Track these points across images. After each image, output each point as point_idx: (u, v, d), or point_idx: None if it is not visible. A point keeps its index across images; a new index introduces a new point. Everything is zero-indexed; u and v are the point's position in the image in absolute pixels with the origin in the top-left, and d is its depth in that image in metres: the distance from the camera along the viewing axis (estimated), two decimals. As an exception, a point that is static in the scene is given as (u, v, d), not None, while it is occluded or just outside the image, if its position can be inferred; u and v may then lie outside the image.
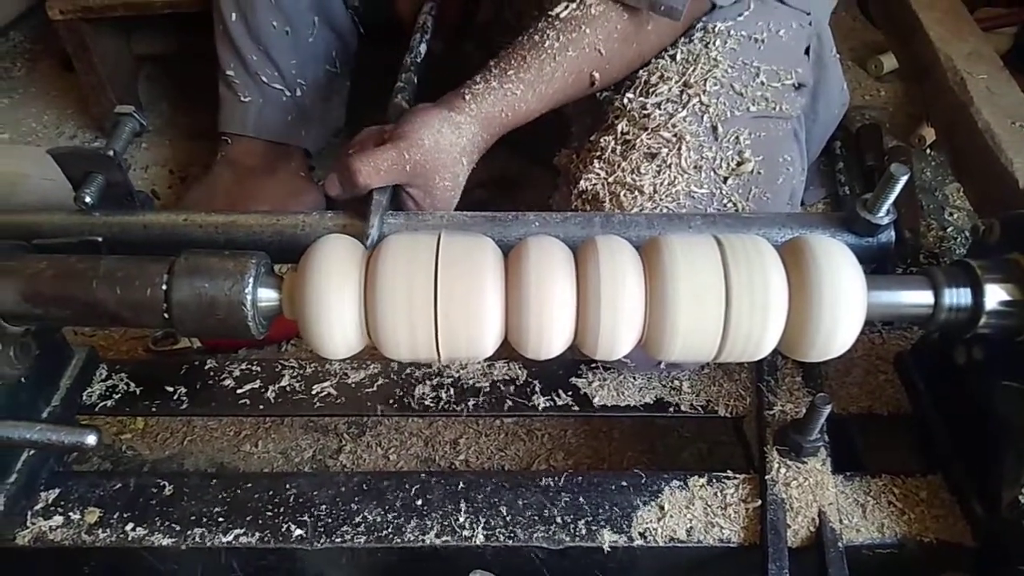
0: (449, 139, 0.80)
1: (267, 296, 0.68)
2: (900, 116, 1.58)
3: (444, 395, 0.91)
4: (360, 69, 1.42)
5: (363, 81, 1.43)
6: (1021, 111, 1.09)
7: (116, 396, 0.91)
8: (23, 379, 0.79)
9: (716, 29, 0.91)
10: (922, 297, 0.69)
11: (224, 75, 1.27)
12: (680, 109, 0.87)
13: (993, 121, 1.07)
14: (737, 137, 0.87)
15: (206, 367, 0.94)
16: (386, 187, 0.79)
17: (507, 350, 0.69)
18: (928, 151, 1.50)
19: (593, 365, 0.92)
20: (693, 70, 0.88)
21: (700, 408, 0.89)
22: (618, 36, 0.86)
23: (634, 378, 0.91)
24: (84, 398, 0.90)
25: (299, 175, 1.33)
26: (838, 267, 0.63)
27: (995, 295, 0.68)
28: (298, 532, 0.78)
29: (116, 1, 1.40)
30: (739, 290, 0.63)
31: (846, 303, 0.63)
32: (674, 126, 0.85)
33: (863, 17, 1.79)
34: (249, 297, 0.66)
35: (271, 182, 1.29)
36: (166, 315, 0.66)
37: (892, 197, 0.72)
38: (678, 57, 0.90)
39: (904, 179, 0.70)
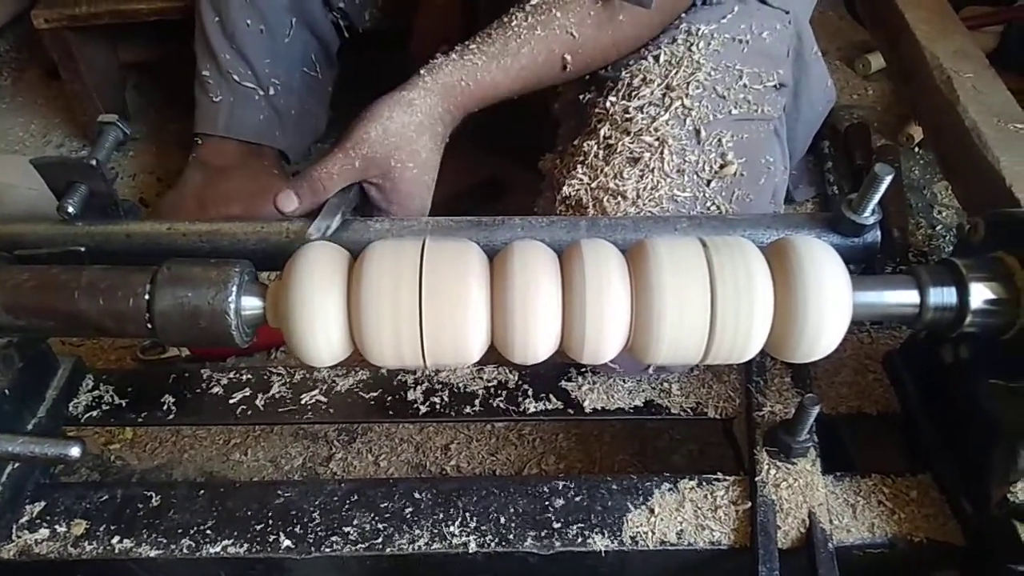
0: (401, 120, 0.80)
1: (251, 304, 0.67)
2: (888, 115, 1.58)
3: (435, 400, 0.91)
4: (348, 77, 1.42)
5: (351, 89, 1.43)
6: (1007, 110, 1.09)
7: (103, 407, 0.90)
8: (6, 391, 0.78)
9: (700, 32, 0.91)
10: (908, 297, 0.69)
11: (200, 76, 1.27)
12: (663, 112, 0.86)
13: (979, 120, 1.07)
14: (720, 140, 0.87)
15: (194, 376, 0.94)
16: (346, 189, 0.80)
17: (497, 355, 0.69)
18: (916, 150, 1.50)
19: (583, 369, 0.92)
20: (676, 73, 0.88)
21: (690, 410, 0.89)
22: (591, 22, 0.85)
23: (624, 381, 0.91)
24: (70, 409, 0.90)
25: (272, 173, 1.31)
26: (823, 268, 0.63)
27: (980, 294, 0.68)
28: (287, 542, 0.77)
29: (102, 9, 1.40)
30: (724, 292, 0.63)
31: (831, 304, 0.62)
32: (656, 130, 0.85)
33: (850, 17, 1.80)
34: (232, 306, 0.65)
35: (241, 181, 1.27)
36: (149, 325, 0.66)
37: (877, 197, 0.72)
38: (661, 59, 0.90)
39: (889, 179, 0.70)
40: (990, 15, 1.60)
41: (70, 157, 1.51)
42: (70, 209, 0.75)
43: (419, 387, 0.92)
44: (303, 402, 0.91)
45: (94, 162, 0.75)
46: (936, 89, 1.16)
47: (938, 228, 1.36)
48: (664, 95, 0.88)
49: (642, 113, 0.87)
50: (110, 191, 0.78)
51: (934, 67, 1.17)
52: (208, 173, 1.27)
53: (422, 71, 0.83)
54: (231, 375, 0.94)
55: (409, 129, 0.80)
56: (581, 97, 0.96)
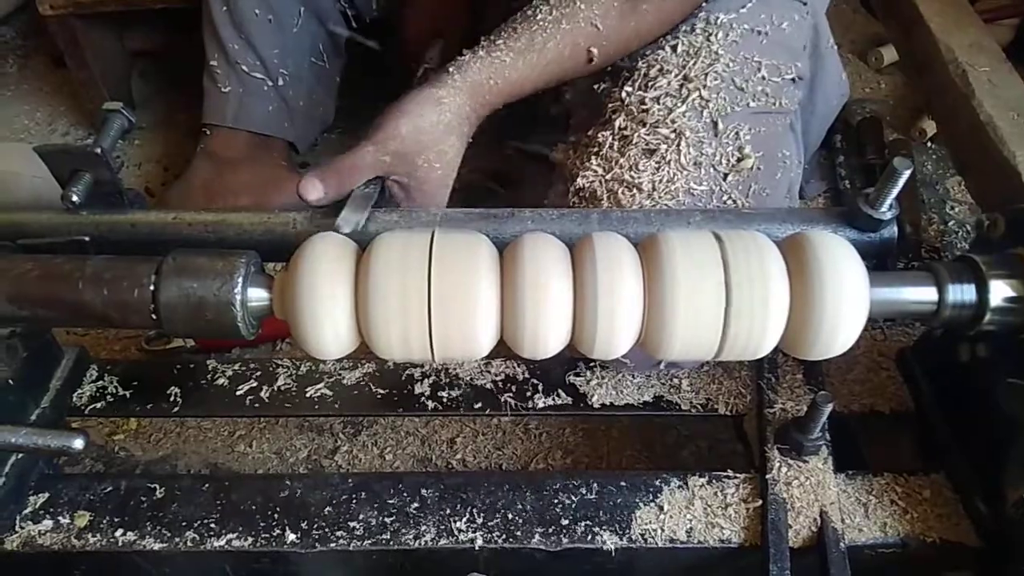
0: (430, 119, 0.79)
1: (257, 296, 0.66)
2: (901, 109, 1.56)
3: (441, 394, 0.90)
4: (354, 65, 1.41)
5: (357, 77, 1.43)
6: (1023, 104, 1.08)
7: (108, 397, 0.90)
8: (10, 381, 0.78)
9: (719, 21, 0.89)
10: (926, 294, 0.67)
11: (208, 66, 1.26)
12: (680, 104, 0.85)
13: (995, 114, 1.06)
14: (737, 133, 0.86)
15: (199, 367, 0.93)
16: (370, 182, 0.79)
17: (505, 348, 0.68)
18: (929, 144, 1.48)
19: (592, 363, 0.91)
20: (694, 63, 0.87)
21: (700, 406, 0.88)
22: (615, 12, 0.84)
23: (633, 376, 0.90)
24: (74, 400, 0.89)
25: (280, 165, 1.30)
26: (840, 263, 0.62)
27: (1000, 291, 0.66)
28: (292, 536, 0.76)
29: (108, -4, 1.39)
30: (739, 287, 0.62)
31: (849, 300, 0.61)
32: (673, 121, 0.84)
33: (863, 9, 1.78)
34: (238, 297, 0.64)
35: (250, 173, 1.26)
36: (154, 316, 0.65)
37: (895, 192, 0.71)
38: (679, 49, 0.88)
39: (907, 173, 0.69)
40: (1006, 7, 1.58)
41: (74, 145, 1.51)
42: (74, 198, 0.74)
43: (426, 381, 0.91)
44: (309, 394, 0.91)
45: (99, 150, 0.74)
46: (950, 83, 1.14)
47: (951, 224, 1.35)
48: (681, 86, 0.86)
49: (658, 104, 0.85)
50: (115, 180, 0.77)
51: (948, 60, 1.16)
52: (216, 164, 1.27)
53: (450, 68, 0.82)
54: (236, 367, 0.93)
55: (439, 128, 0.79)
56: (596, 87, 0.95)
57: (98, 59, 1.50)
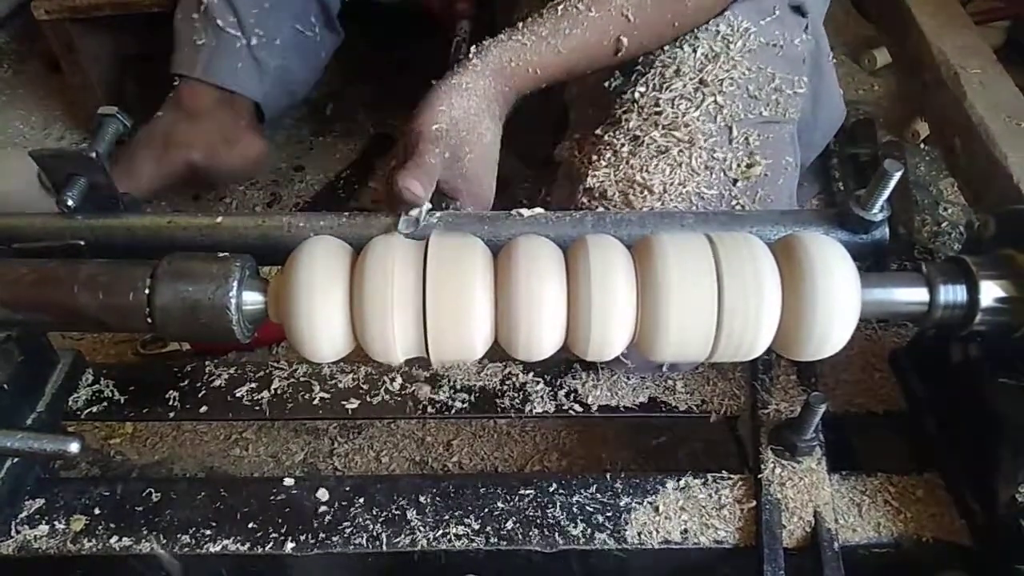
0: (461, 107, 0.78)
1: (252, 299, 0.66)
2: (894, 111, 1.57)
3: (437, 396, 0.90)
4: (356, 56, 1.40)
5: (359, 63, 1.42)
6: (1015, 105, 1.09)
7: (103, 401, 0.90)
8: (5, 385, 0.78)
9: (740, 28, 0.89)
10: (917, 294, 0.68)
11: (186, 17, 1.24)
12: (693, 108, 0.85)
13: (987, 116, 1.07)
14: (747, 139, 0.86)
15: (196, 370, 0.93)
16: None
17: (501, 351, 0.68)
18: (922, 146, 1.49)
19: (587, 365, 0.91)
20: (711, 68, 0.86)
21: (694, 408, 0.88)
22: (651, 3, 0.83)
23: (628, 378, 0.90)
24: (70, 403, 0.89)
25: (240, 124, 1.27)
26: (831, 265, 0.62)
27: (990, 291, 0.67)
28: (288, 539, 0.76)
29: (103, 0, 1.39)
30: (731, 289, 0.62)
31: (840, 301, 0.62)
32: (687, 125, 0.83)
33: (856, 11, 1.78)
34: (233, 301, 0.64)
35: (209, 127, 1.24)
36: (150, 320, 0.65)
37: (886, 193, 0.71)
38: (698, 52, 0.88)
39: (898, 175, 0.69)
40: (998, 10, 1.59)
41: (70, 149, 1.51)
42: (70, 202, 0.74)
43: (422, 383, 0.91)
44: (305, 397, 0.91)
45: (94, 154, 0.74)
46: (943, 85, 1.15)
47: (944, 225, 1.35)
48: (697, 89, 0.86)
49: (672, 107, 0.85)
50: (110, 184, 0.77)
51: (941, 62, 1.17)
52: (179, 115, 1.25)
53: (471, 54, 0.81)
54: (232, 370, 0.93)
55: (470, 114, 0.78)
56: (606, 84, 0.94)
57: (93, 63, 1.50)
